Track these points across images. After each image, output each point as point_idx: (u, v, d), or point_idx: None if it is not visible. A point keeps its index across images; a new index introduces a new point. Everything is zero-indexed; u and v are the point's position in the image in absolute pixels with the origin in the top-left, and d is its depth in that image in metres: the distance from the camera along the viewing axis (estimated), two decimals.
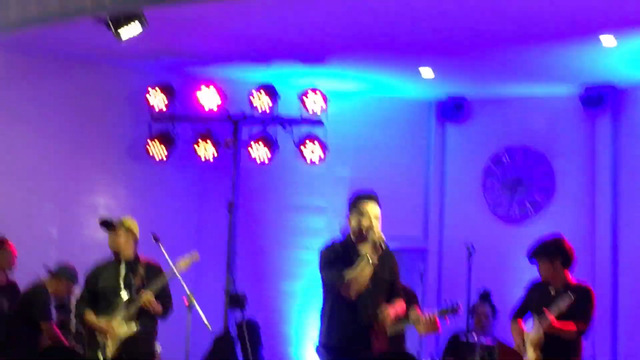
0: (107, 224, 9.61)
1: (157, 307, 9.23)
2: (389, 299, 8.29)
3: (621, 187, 13.12)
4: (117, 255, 9.47)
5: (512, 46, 11.69)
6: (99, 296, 9.51)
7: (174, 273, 9.30)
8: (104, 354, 9.34)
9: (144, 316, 9.32)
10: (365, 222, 8.09)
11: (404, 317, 9.14)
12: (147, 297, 9.19)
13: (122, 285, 9.40)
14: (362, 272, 7.98)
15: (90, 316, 9.44)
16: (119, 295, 9.37)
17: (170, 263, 9.29)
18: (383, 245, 7.98)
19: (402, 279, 9.83)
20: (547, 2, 10.17)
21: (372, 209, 8.16)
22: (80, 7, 9.25)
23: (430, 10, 10.44)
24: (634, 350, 12.43)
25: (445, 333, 11.87)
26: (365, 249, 8.02)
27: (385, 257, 8.21)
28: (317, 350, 8.28)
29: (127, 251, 9.45)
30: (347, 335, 8.13)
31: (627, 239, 12.97)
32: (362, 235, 8.12)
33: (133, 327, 9.33)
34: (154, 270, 9.42)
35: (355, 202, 8.25)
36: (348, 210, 8.23)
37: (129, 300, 9.32)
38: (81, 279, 10.53)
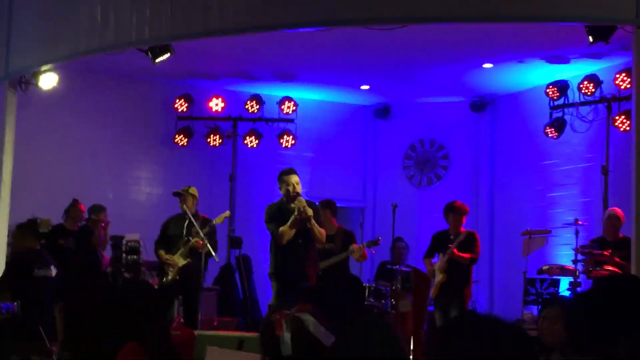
0: (178, 193, 9.58)
1: (204, 248, 9.20)
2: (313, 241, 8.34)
3: (497, 165, 13.21)
4: (183, 212, 9.46)
5: (422, 68, 11.73)
6: (169, 239, 9.54)
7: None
8: (167, 278, 9.40)
9: (196, 254, 9.34)
10: (289, 188, 8.16)
11: (344, 250, 9.23)
12: (195, 240, 9.21)
13: (184, 232, 9.43)
14: (290, 228, 8.05)
15: (162, 253, 9.49)
16: (182, 237, 9.42)
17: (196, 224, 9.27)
18: (303, 210, 8.03)
19: (345, 226, 9.93)
20: (446, 39, 10.21)
21: (292, 178, 8.23)
22: (128, 41, 9.18)
23: (365, 48, 10.46)
24: (504, 275, 12.54)
25: (375, 263, 11.98)
26: (296, 206, 8.05)
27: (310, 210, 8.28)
28: (269, 276, 8.35)
29: (191, 209, 9.46)
30: (285, 269, 8.19)
31: (500, 201, 13.07)
32: (289, 197, 8.18)
33: (186, 260, 9.38)
34: (206, 222, 9.47)
35: (281, 176, 8.33)
36: (278, 182, 8.30)
37: (186, 242, 9.37)
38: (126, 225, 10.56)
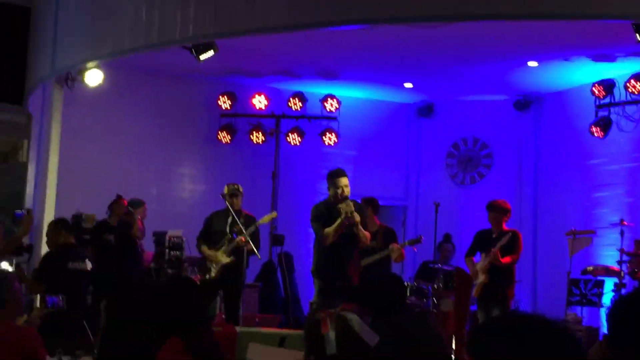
0: (233, 189, 9.54)
1: (247, 246, 9.23)
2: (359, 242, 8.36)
3: (541, 164, 13.08)
4: (229, 207, 9.41)
5: (466, 66, 11.65)
6: (212, 235, 9.55)
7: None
8: (209, 274, 9.40)
9: (238, 252, 9.34)
10: (338, 191, 8.16)
11: (385, 248, 9.22)
12: (239, 239, 9.21)
13: (228, 229, 9.43)
14: (335, 230, 8.06)
15: (204, 248, 9.49)
16: (225, 234, 9.41)
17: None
18: (351, 214, 8.04)
19: (387, 225, 9.90)
20: (490, 36, 10.14)
21: (342, 181, 8.22)
22: (172, 39, 9.26)
23: (408, 45, 10.42)
24: (548, 275, 12.43)
25: (417, 262, 11.94)
26: (344, 210, 8.06)
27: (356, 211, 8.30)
28: (312, 274, 8.38)
29: (238, 206, 9.46)
30: (327, 267, 8.20)
31: (544, 200, 12.94)
32: (337, 199, 8.18)
33: (230, 258, 9.36)
34: (250, 220, 9.46)
35: (330, 177, 8.33)
36: (328, 182, 8.30)
37: (230, 240, 9.36)
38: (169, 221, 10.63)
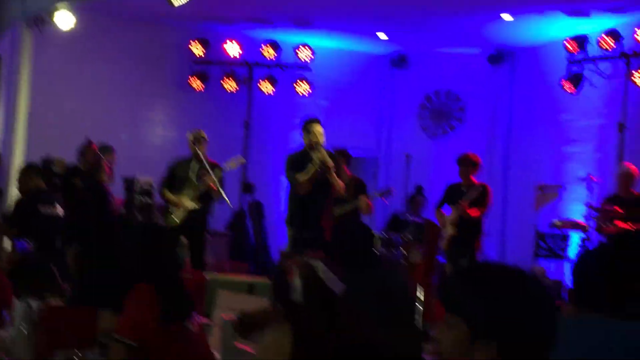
0: (199, 136, 9.49)
1: (217, 194, 9.20)
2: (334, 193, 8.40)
3: (513, 118, 13.15)
4: (195, 153, 9.37)
5: (441, 17, 11.63)
6: (176, 181, 9.50)
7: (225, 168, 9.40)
8: (173, 220, 9.38)
9: (204, 198, 9.33)
10: (313, 138, 8.16)
11: (355, 199, 9.25)
12: (211, 180, 9.17)
13: (194, 176, 9.39)
14: (309, 178, 8.08)
15: (168, 194, 9.46)
16: (190, 180, 9.37)
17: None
18: (323, 162, 8.08)
19: (359, 176, 9.93)
20: None
21: (317, 128, 8.22)
22: None
23: None
24: (516, 229, 12.55)
25: (387, 213, 12.01)
26: (317, 157, 8.10)
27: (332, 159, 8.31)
28: (285, 223, 8.42)
29: (204, 152, 9.40)
30: (301, 216, 8.24)
31: (515, 155, 13.03)
32: (311, 147, 8.19)
33: (197, 204, 9.35)
34: (215, 167, 9.42)
35: (305, 125, 8.32)
36: (301, 130, 8.30)
37: (197, 186, 9.33)
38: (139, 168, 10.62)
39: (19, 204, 8.55)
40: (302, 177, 8.14)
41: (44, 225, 8.24)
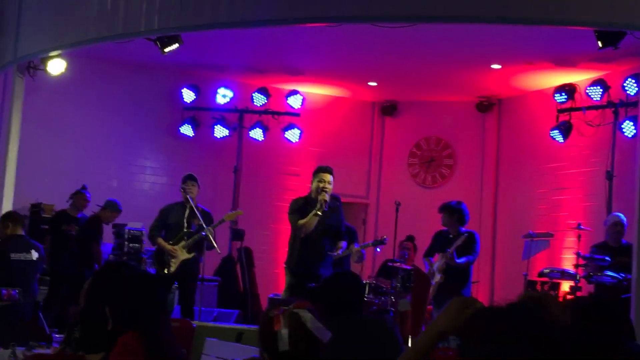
0: (191, 177, 9.61)
1: (212, 243, 9.25)
2: (335, 239, 8.49)
3: (501, 165, 13.21)
4: (185, 200, 9.45)
5: (430, 66, 11.74)
6: (168, 227, 9.53)
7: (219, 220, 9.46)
8: (169, 269, 9.37)
9: (197, 247, 9.36)
10: (320, 185, 8.29)
11: (346, 248, 9.29)
12: (210, 234, 9.23)
13: (185, 223, 9.43)
14: (310, 220, 8.20)
15: (163, 241, 9.46)
16: (183, 229, 9.40)
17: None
18: (324, 203, 8.19)
19: (349, 223, 9.97)
20: (455, 38, 10.23)
21: (326, 177, 8.35)
22: (137, 30, 9.22)
23: (374, 44, 10.47)
24: (506, 277, 12.55)
25: (379, 261, 12.01)
26: (317, 204, 8.24)
27: (332, 210, 8.42)
28: (285, 268, 8.48)
29: (195, 199, 9.47)
30: (301, 261, 8.30)
31: (504, 200, 13.07)
32: (317, 194, 8.31)
33: (191, 254, 9.37)
34: (207, 215, 9.48)
35: (317, 171, 8.46)
36: (312, 176, 8.41)
37: (189, 234, 9.35)
38: (129, 214, 10.62)
39: None
40: (302, 221, 8.27)
41: (16, 271, 8.37)
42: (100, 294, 4.13)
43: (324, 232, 8.32)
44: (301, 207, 8.39)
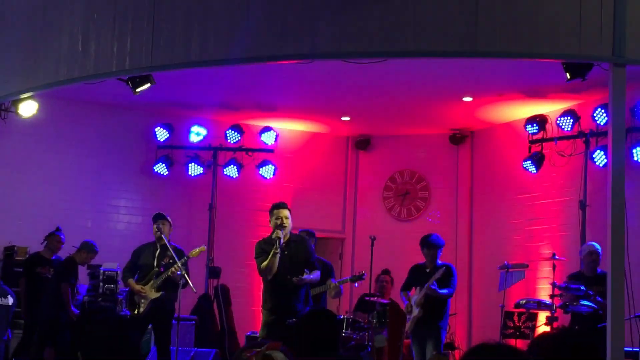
0: (161, 216, 9.60)
1: (181, 278, 9.21)
2: (309, 270, 8.35)
3: (475, 197, 13.26)
4: (157, 239, 9.45)
5: (402, 100, 11.80)
6: (139, 268, 9.51)
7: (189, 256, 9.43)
8: (138, 309, 9.33)
9: (168, 284, 9.32)
10: (277, 222, 8.19)
11: (322, 284, 9.23)
12: (172, 271, 9.19)
13: (155, 262, 9.41)
14: (270, 260, 8.08)
15: (132, 282, 9.43)
16: (153, 269, 9.39)
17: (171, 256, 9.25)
18: (279, 240, 8.05)
19: (325, 258, 9.93)
20: (426, 72, 10.30)
21: (282, 213, 8.24)
22: (108, 71, 9.19)
23: (345, 80, 10.52)
24: (483, 308, 12.55)
25: (356, 295, 11.97)
26: (276, 241, 8.12)
27: (296, 243, 8.30)
28: (262, 310, 8.40)
29: (168, 236, 9.47)
30: (274, 302, 8.21)
31: (479, 232, 13.11)
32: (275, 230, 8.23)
33: (160, 293, 9.33)
34: (180, 253, 9.45)
35: (271, 209, 8.36)
36: (269, 215, 8.32)
37: (159, 273, 9.33)
38: (104, 254, 10.57)
39: None
40: (264, 263, 8.15)
41: None
42: (74, 340, 4.10)
43: (291, 267, 8.22)
44: (264, 249, 8.30)
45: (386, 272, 11.34)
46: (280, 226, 8.16)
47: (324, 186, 13.98)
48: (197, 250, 9.66)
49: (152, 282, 9.34)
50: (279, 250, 8.07)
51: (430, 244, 9.74)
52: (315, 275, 8.41)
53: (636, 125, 10.28)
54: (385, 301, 10.15)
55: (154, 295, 9.30)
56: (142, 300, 9.34)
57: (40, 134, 12.00)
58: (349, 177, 14.13)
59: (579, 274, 9.43)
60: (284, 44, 8.27)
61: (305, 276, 8.25)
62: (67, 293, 10.38)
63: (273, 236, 8.13)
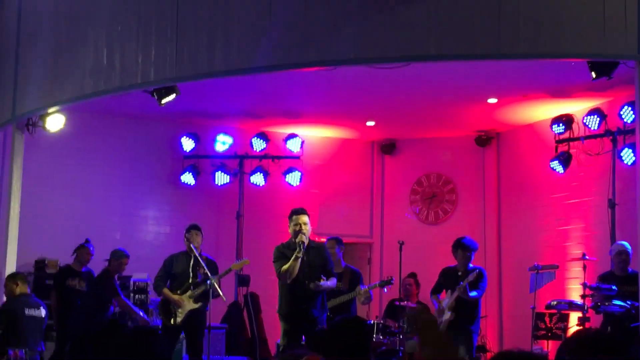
0: (193, 227, 9.66)
1: (217, 291, 9.24)
2: (326, 277, 8.38)
3: (503, 198, 13.19)
4: (189, 249, 9.49)
5: (427, 104, 11.78)
6: (173, 277, 9.54)
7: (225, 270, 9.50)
8: (175, 320, 9.36)
9: (204, 296, 9.35)
10: (296, 228, 8.22)
11: (351, 290, 9.24)
12: (214, 283, 9.23)
13: (191, 272, 9.44)
14: (292, 264, 8.12)
15: (168, 292, 9.46)
16: (189, 278, 9.41)
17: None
18: (302, 245, 8.10)
19: (353, 263, 9.93)
20: (450, 75, 10.28)
21: (301, 219, 8.28)
22: (134, 83, 9.27)
23: (369, 85, 10.52)
24: (514, 310, 12.49)
25: (385, 300, 11.95)
26: (299, 245, 8.17)
27: (315, 250, 8.33)
28: (278, 315, 8.42)
29: (199, 248, 9.51)
30: (290, 308, 8.23)
31: (508, 233, 13.04)
32: (295, 237, 8.26)
33: (199, 304, 9.36)
34: (212, 264, 9.49)
35: (290, 215, 8.41)
36: (288, 221, 8.37)
37: (196, 284, 9.35)
38: (133, 265, 10.66)
39: (4, 309, 9.01)
40: (285, 267, 8.18)
41: (30, 327, 8.76)
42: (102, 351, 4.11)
43: (309, 273, 8.23)
44: (283, 253, 8.33)
45: (412, 275, 11.33)
46: (299, 232, 8.21)
47: (351, 191, 13.97)
48: (240, 263, 9.72)
49: (189, 292, 9.36)
50: (301, 254, 8.10)
51: (464, 246, 9.71)
52: (332, 282, 8.44)
53: None
54: (413, 304, 10.14)
55: (192, 306, 9.33)
56: (179, 311, 9.36)
57: (67, 147, 12.09)
58: (375, 182, 14.11)
59: (609, 274, 9.36)
60: (307, 52, 8.29)
61: (322, 282, 8.27)
62: (124, 304, 10.52)
63: (297, 240, 8.16)
